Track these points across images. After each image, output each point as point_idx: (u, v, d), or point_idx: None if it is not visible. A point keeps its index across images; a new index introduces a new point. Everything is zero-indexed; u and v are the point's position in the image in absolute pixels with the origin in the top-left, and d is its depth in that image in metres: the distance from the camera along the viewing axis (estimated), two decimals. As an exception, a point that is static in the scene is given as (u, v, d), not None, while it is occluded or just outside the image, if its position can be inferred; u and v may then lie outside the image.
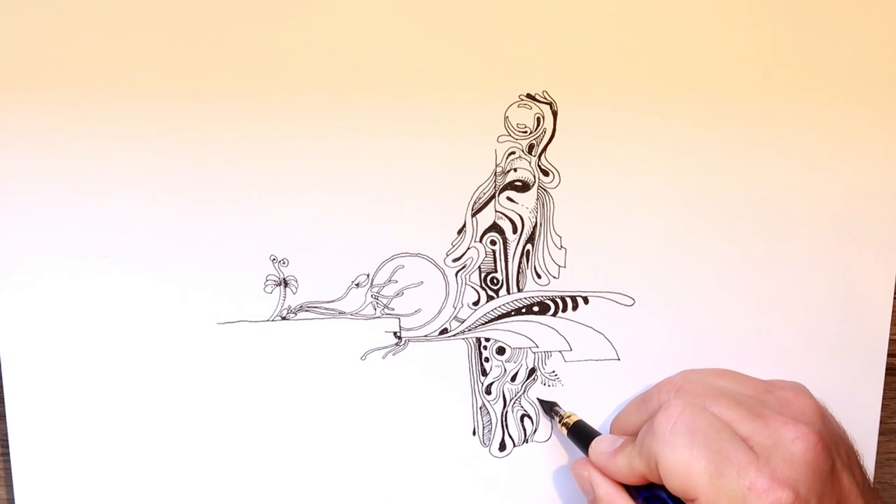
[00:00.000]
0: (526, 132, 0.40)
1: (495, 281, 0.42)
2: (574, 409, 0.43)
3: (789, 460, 0.34)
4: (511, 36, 0.39)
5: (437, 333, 0.42)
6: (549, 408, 0.43)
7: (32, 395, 0.40)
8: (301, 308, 0.41)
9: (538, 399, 0.43)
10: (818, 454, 0.34)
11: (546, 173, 0.41)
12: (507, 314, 0.42)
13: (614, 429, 0.42)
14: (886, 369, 0.44)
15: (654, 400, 0.39)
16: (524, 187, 0.41)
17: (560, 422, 0.41)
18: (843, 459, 0.36)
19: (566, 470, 0.43)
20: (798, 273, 0.42)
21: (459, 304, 0.42)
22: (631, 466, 0.37)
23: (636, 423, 0.39)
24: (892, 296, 0.43)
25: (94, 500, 0.41)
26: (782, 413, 0.36)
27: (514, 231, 0.41)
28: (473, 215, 0.41)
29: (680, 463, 0.34)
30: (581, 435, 0.40)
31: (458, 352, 0.42)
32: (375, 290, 0.41)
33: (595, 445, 0.39)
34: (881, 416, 0.44)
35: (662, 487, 0.35)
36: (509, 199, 0.41)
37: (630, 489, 0.37)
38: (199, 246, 0.40)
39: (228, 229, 0.40)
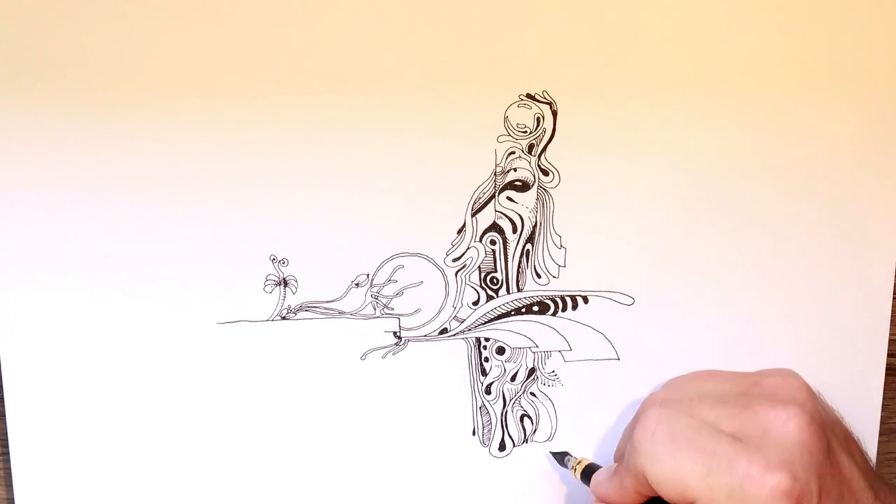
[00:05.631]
0: (526, 132, 0.40)
1: (495, 281, 0.42)
2: (574, 409, 0.43)
3: (782, 444, 0.33)
4: (511, 36, 0.39)
5: (436, 333, 0.42)
6: (562, 458, 0.43)
7: (32, 395, 0.40)
8: (301, 308, 0.41)
9: (550, 452, 0.43)
10: (812, 433, 0.33)
11: (546, 173, 0.41)
12: (507, 314, 0.42)
13: (615, 457, 0.42)
14: (886, 369, 0.44)
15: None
16: (524, 187, 0.41)
17: (573, 468, 0.41)
18: (839, 440, 0.35)
19: (566, 470, 0.43)
20: (798, 273, 0.42)
21: (459, 304, 0.42)
22: (623, 487, 0.36)
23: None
24: (891, 296, 0.43)
25: (94, 500, 0.41)
26: (772, 399, 0.35)
27: (514, 231, 0.41)
28: (473, 215, 0.41)
29: (668, 470, 0.34)
30: (591, 475, 0.40)
31: (457, 351, 0.42)
32: (375, 289, 0.41)
33: (594, 478, 0.39)
34: (881, 416, 0.44)
35: (662, 500, 0.35)
36: (509, 198, 0.41)
37: None
38: (199, 246, 0.40)
39: (228, 229, 0.40)
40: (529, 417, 0.43)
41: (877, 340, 0.43)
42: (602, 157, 0.41)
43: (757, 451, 0.33)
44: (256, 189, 0.39)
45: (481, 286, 0.42)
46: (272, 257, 0.40)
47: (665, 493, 0.34)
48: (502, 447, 0.43)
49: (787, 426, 0.33)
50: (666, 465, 0.34)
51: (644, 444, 0.35)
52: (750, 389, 0.37)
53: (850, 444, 0.37)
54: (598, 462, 0.41)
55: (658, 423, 0.35)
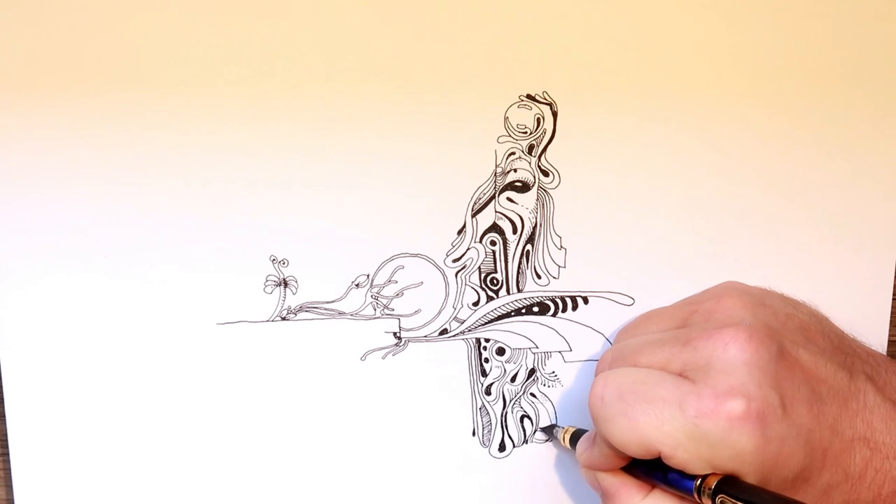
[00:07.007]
0: (526, 133, 0.40)
1: (495, 281, 0.42)
2: (574, 409, 0.43)
3: (727, 369, 0.32)
4: (511, 36, 0.39)
5: (436, 334, 0.42)
6: (550, 430, 0.43)
7: (32, 395, 0.40)
8: (301, 308, 0.41)
9: (540, 429, 0.43)
10: (755, 347, 0.32)
11: (546, 174, 0.41)
12: (507, 315, 0.42)
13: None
14: (886, 370, 0.44)
15: None
16: (524, 188, 0.41)
17: (562, 437, 0.41)
18: (792, 337, 0.34)
19: (566, 470, 0.43)
20: (798, 273, 0.42)
21: (459, 305, 0.42)
22: (602, 454, 0.35)
23: None
24: (891, 296, 0.43)
25: (94, 500, 0.41)
26: (707, 328, 0.34)
27: (514, 231, 0.41)
28: (473, 216, 0.41)
29: (625, 430, 0.33)
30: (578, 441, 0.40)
31: (457, 352, 0.42)
32: (375, 290, 0.41)
33: (577, 447, 0.38)
34: (881, 417, 0.44)
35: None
36: (509, 199, 0.41)
37: (635, 471, 0.36)
38: (199, 246, 0.40)
39: (228, 230, 0.40)
40: (529, 418, 0.43)
41: (877, 340, 0.43)
42: (602, 157, 0.41)
43: (705, 385, 0.32)
44: (256, 189, 0.39)
45: (481, 287, 0.42)
46: (272, 258, 0.40)
47: (631, 452, 0.33)
48: (502, 448, 0.43)
49: (728, 351, 0.33)
50: (622, 426, 0.33)
51: (597, 410, 0.34)
52: (689, 320, 0.37)
53: (809, 332, 0.36)
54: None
55: (605, 387, 0.34)
